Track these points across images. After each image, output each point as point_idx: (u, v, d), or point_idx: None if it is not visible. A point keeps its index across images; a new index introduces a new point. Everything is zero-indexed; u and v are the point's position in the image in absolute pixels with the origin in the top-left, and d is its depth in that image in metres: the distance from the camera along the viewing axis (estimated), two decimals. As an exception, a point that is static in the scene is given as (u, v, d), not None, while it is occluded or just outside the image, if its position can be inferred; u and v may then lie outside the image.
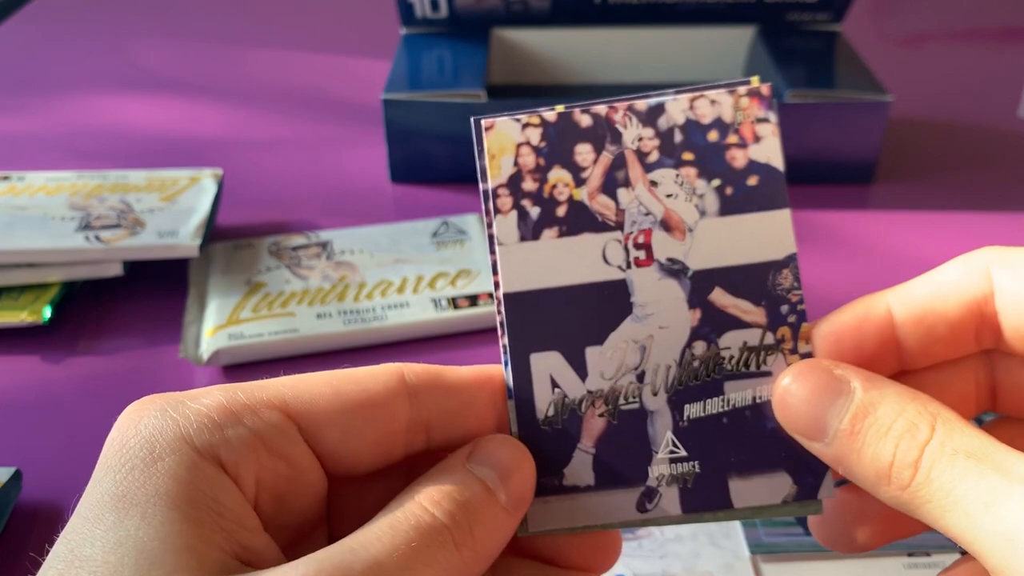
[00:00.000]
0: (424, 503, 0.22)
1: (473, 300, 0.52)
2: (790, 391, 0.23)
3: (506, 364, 0.25)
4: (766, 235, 0.24)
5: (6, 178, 0.60)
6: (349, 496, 0.26)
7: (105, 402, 0.47)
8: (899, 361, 0.25)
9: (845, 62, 0.68)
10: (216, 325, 0.50)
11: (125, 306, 0.54)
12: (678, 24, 0.71)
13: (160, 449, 0.21)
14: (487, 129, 0.24)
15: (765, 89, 0.24)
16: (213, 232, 0.57)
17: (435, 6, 0.71)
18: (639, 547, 0.39)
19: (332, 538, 0.26)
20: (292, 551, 0.24)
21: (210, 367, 0.49)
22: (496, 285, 0.25)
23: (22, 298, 0.52)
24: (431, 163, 0.66)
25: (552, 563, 0.26)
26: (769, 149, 0.24)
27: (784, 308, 0.24)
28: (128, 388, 0.48)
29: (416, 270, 0.54)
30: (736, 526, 0.40)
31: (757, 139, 0.24)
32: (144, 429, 0.22)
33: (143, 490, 0.20)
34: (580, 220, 0.24)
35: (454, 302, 0.52)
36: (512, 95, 0.63)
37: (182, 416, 0.22)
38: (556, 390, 0.24)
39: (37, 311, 0.51)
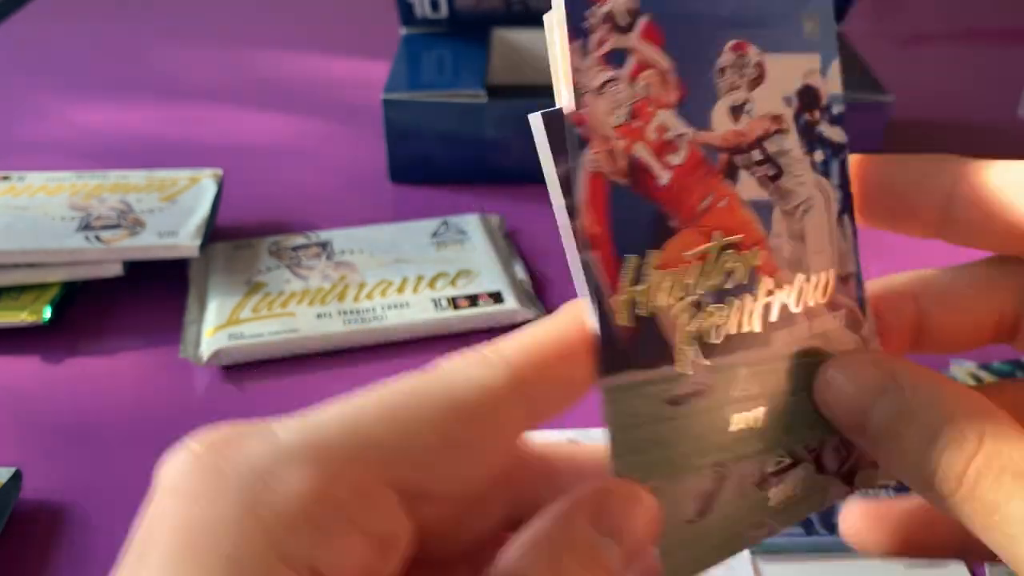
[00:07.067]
0: None
1: (473, 300, 0.52)
2: (834, 382, 0.23)
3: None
4: None
5: (6, 178, 0.59)
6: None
7: (105, 402, 0.47)
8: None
9: (845, 62, 0.67)
10: (216, 325, 0.50)
11: (125, 306, 0.54)
12: (678, 24, 0.71)
13: (245, 565, 0.17)
14: None
15: None
16: (213, 232, 0.57)
17: (435, 6, 0.71)
18: (639, 547, 0.39)
19: None
20: None
21: (210, 367, 0.49)
22: None
23: (22, 298, 0.51)
24: (431, 163, 0.66)
25: None
26: None
27: None
28: (128, 388, 0.48)
29: (416, 270, 0.54)
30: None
31: None
32: (223, 532, 0.17)
33: None
34: None
35: (454, 302, 0.52)
36: (512, 95, 0.63)
37: (268, 510, 0.17)
38: None
39: (37, 311, 0.51)
